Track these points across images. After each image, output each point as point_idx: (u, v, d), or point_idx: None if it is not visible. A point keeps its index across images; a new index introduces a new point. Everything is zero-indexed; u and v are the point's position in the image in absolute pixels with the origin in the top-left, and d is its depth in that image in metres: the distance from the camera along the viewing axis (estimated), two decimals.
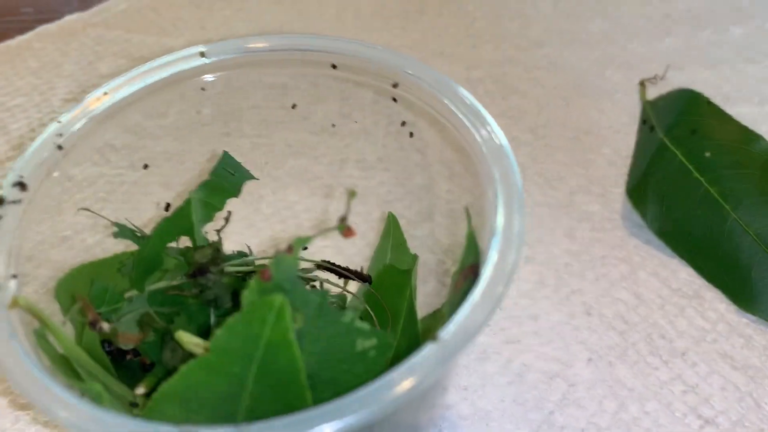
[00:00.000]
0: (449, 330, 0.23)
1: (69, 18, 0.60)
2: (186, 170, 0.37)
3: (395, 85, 0.32)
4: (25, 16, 0.63)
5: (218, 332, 0.24)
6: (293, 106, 0.35)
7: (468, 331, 0.23)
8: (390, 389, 0.22)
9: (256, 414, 0.24)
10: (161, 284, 0.32)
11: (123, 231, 0.32)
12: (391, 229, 0.36)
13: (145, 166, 0.34)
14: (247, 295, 0.24)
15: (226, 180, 0.34)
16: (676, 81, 0.50)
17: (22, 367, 0.23)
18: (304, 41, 0.33)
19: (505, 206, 0.26)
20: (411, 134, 0.33)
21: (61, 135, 0.30)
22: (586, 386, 0.37)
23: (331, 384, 0.25)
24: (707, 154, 0.42)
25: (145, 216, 0.35)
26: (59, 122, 0.30)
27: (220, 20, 0.59)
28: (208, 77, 0.33)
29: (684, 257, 0.41)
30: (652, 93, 0.50)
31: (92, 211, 0.32)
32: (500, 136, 0.28)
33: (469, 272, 0.27)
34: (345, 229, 0.26)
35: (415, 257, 0.34)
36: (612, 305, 0.40)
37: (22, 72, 0.56)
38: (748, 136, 0.43)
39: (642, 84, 0.50)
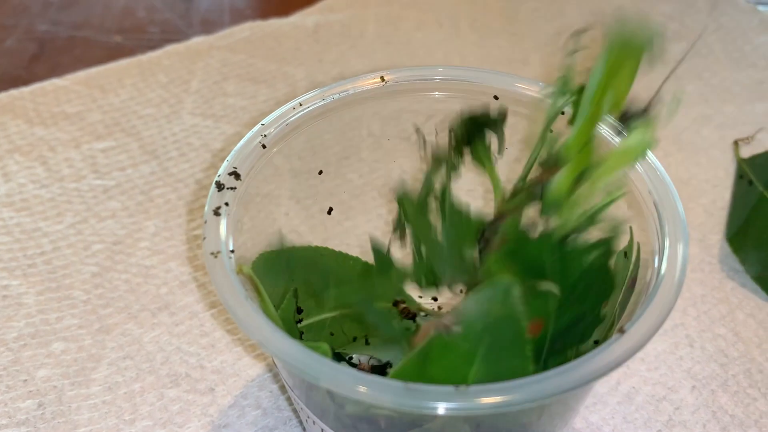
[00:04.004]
0: (634, 324, 0.27)
1: (195, 40, 0.65)
2: (357, 182, 0.41)
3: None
4: (151, 35, 0.68)
5: (447, 313, 0.27)
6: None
7: (651, 326, 0.26)
8: (581, 368, 0.26)
9: None
10: None
11: None
12: None
13: (320, 172, 0.38)
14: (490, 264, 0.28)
15: None
16: (767, 142, 0.54)
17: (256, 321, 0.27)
18: (469, 74, 0.37)
19: (670, 224, 0.30)
20: None
21: (265, 136, 0.34)
22: (690, 410, 0.41)
23: (576, 303, 0.28)
24: None
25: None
26: (262, 125, 0.34)
27: (336, 54, 0.64)
28: (386, 100, 0.37)
29: None
30: (745, 152, 0.53)
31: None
32: (659, 166, 0.32)
33: (631, 283, 0.31)
34: None
35: None
36: (713, 340, 0.44)
37: (152, 85, 0.61)
38: None
39: (736, 143, 0.54)
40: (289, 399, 0.41)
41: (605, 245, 0.29)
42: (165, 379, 0.42)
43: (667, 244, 0.29)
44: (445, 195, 0.36)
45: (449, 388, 0.25)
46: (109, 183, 0.53)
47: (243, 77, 0.62)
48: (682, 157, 0.54)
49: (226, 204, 0.31)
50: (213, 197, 0.31)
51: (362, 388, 0.25)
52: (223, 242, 0.29)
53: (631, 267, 0.31)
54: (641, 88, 0.30)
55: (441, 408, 0.25)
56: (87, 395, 0.41)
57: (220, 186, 0.32)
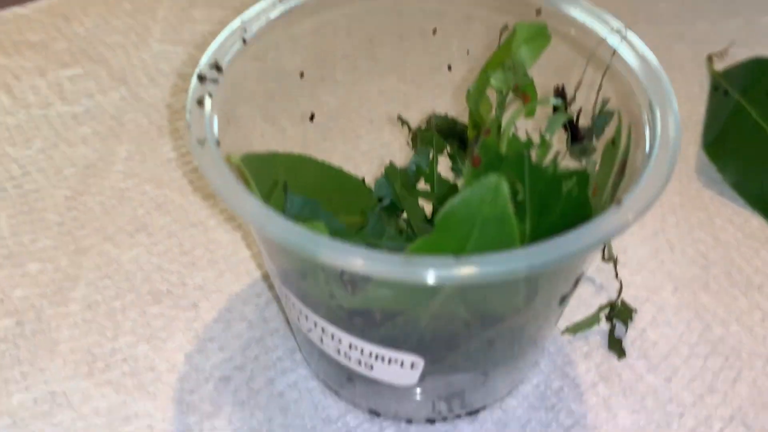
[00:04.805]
0: (631, 196, 0.26)
1: None
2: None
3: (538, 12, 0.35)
4: None
5: (438, 214, 0.26)
6: (434, 31, 0.38)
7: (648, 196, 0.26)
8: (579, 240, 0.25)
9: None
10: None
11: None
12: None
13: (302, 75, 0.37)
14: (463, 182, 0.27)
15: None
16: (740, 57, 0.54)
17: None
18: None
19: (660, 104, 0.30)
20: None
21: (245, 30, 0.33)
22: (673, 311, 0.41)
23: (551, 229, 0.28)
24: None
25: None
26: (242, 20, 0.33)
27: None
28: None
29: (757, 208, 0.45)
30: (719, 67, 0.54)
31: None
32: (650, 56, 0.32)
33: (620, 168, 0.31)
34: None
35: None
36: (693, 244, 0.44)
37: (117, 13, 0.59)
38: None
39: (710, 58, 0.54)
40: (276, 309, 0.40)
41: (582, 174, 0.29)
42: (146, 297, 0.41)
43: (658, 116, 0.29)
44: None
45: (449, 258, 0.24)
46: (78, 109, 0.51)
47: (211, 3, 0.60)
48: None
49: (210, 95, 0.30)
50: (195, 89, 0.30)
51: (360, 261, 0.24)
52: (208, 130, 0.29)
53: (621, 152, 0.31)
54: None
55: (431, 277, 0.24)
56: (66, 314, 0.40)
57: (201, 78, 0.31)
